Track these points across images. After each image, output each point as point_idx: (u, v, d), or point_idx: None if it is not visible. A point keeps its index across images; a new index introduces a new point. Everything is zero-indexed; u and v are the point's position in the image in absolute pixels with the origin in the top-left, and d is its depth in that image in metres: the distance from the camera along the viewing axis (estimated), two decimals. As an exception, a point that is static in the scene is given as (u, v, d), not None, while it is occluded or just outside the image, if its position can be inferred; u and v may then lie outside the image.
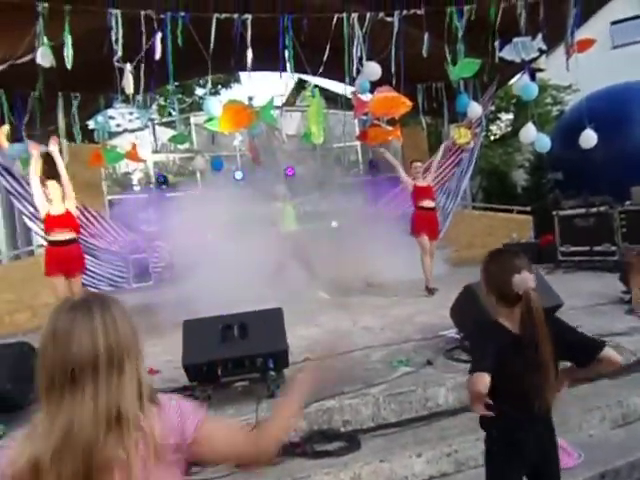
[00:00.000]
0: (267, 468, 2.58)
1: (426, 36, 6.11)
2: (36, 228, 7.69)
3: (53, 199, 5.33)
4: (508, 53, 6.41)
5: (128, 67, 5.57)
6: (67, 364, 0.98)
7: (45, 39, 5.22)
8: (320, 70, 6.25)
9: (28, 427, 1.01)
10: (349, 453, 2.65)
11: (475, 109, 7.57)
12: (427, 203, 6.57)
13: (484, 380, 1.52)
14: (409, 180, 6.63)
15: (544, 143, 7.32)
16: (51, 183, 5.43)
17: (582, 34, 6.77)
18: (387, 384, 3.14)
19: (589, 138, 6.99)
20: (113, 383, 1.00)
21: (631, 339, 3.65)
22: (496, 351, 1.60)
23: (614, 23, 14.99)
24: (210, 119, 6.33)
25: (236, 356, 3.08)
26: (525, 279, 1.58)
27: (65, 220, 5.26)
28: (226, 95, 15.43)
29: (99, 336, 1.01)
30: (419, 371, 3.34)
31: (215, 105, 6.22)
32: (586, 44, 6.71)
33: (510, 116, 14.07)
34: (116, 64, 5.52)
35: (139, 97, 6.71)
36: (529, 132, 7.22)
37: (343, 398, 2.98)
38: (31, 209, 7.54)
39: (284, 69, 6.27)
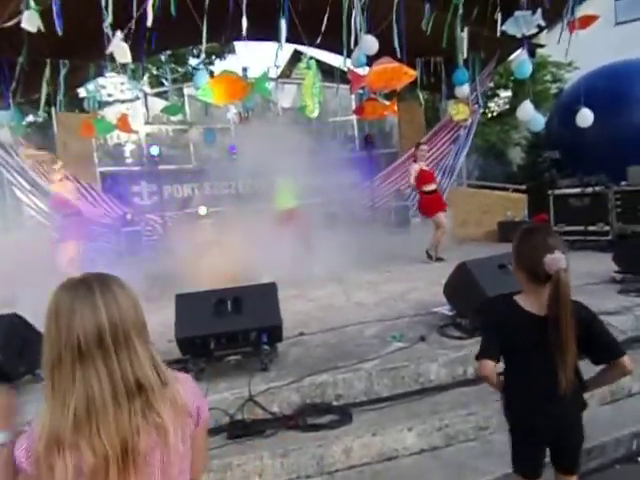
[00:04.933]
0: (260, 440, 2.61)
1: (427, 7, 5.95)
2: (25, 199, 7.59)
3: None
4: (510, 27, 6.25)
5: (119, 35, 5.37)
6: (72, 340, 0.99)
7: (32, 3, 5.01)
8: (317, 41, 6.08)
9: (41, 407, 1.02)
10: (341, 426, 2.68)
11: (463, 88, 7.51)
12: (431, 187, 6.95)
13: (488, 368, 1.62)
14: (415, 167, 6.93)
15: (538, 122, 7.26)
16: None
17: (586, 9, 6.60)
18: (380, 359, 3.16)
19: (586, 117, 6.92)
20: (124, 356, 1.02)
21: (621, 318, 3.68)
22: (501, 331, 1.65)
23: (619, -2, 14.53)
24: (203, 90, 6.17)
25: (229, 330, 3.07)
26: (557, 259, 1.57)
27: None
28: (220, 66, 15.05)
29: (101, 312, 1.02)
30: (412, 347, 3.35)
31: (205, 79, 6.08)
32: (588, 20, 6.55)
33: (508, 93, 13.88)
34: (106, 31, 5.32)
35: (131, 66, 6.52)
36: (526, 110, 7.14)
37: (336, 372, 2.99)
38: (20, 179, 7.42)
39: (280, 39, 6.08)
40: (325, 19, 5.76)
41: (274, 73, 8.96)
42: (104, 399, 0.99)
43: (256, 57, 9.70)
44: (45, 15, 5.10)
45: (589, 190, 7.30)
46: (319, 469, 2.52)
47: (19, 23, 5.19)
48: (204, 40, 5.63)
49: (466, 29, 6.41)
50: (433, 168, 7.26)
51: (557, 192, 7.74)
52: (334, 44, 6.19)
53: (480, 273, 3.54)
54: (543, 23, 6.29)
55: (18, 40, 5.76)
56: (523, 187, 10.33)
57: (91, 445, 0.97)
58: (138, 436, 1.00)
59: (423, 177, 6.84)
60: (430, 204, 6.91)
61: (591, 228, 7.21)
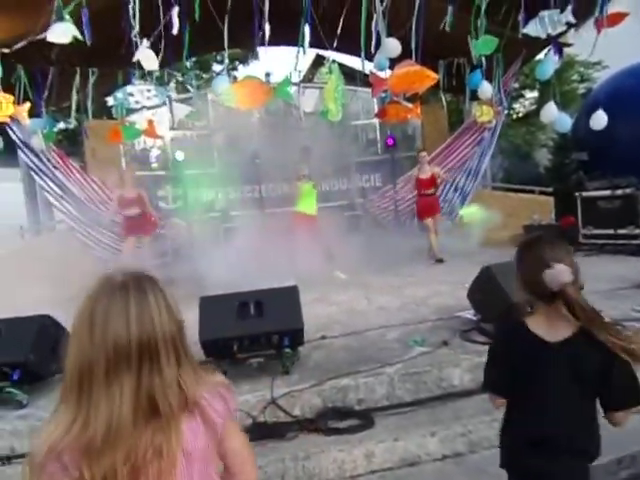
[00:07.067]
0: (281, 442, 2.62)
1: (450, 9, 5.88)
2: (57, 204, 7.81)
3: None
4: (533, 28, 6.11)
5: (145, 43, 5.50)
6: (106, 351, 0.95)
7: (67, 16, 5.16)
8: (339, 45, 6.09)
9: (55, 416, 0.98)
10: (363, 431, 2.67)
11: (485, 89, 7.33)
12: (427, 191, 7.59)
13: None
14: (412, 176, 7.91)
15: (565, 123, 7.05)
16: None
17: (613, 5, 6.40)
18: (402, 364, 3.14)
19: (600, 119, 6.70)
20: (149, 372, 0.98)
21: (653, 324, 3.56)
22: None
23: (649, -6, 14.08)
24: (226, 95, 6.26)
25: (252, 333, 3.11)
26: (556, 274, 1.36)
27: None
28: (243, 71, 15.25)
29: (133, 323, 0.97)
30: (435, 351, 3.32)
31: (224, 85, 6.18)
32: (617, 18, 6.35)
33: (535, 94, 13.63)
34: (134, 39, 5.46)
35: (157, 73, 6.66)
36: (550, 111, 6.95)
37: (358, 377, 2.99)
38: (51, 184, 7.64)
39: (303, 44, 6.12)
40: (346, 23, 5.77)
41: (296, 78, 9.03)
42: (122, 419, 0.94)
43: (279, 62, 9.78)
44: (75, 25, 5.26)
45: (619, 192, 7.11)
46: (340, 473, 2.51)
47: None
48: (226, 46, 5.71)
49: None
50: (431, 173, 7.65)
51: (585, 194, 7.56)
52: (356, 48, 6.19)
53: (504, 277, 3.47)
54: (573, 20, 6.11)
55: (49, 50, 5.95)
56: (550, 189, 10.11)
57: (99, 466, 0.92)
58: (144, 460, 0.94)
59: (420, 184, 7.57)
60: (420, 207, 7.60)
61: (621, 231, 7.01)
